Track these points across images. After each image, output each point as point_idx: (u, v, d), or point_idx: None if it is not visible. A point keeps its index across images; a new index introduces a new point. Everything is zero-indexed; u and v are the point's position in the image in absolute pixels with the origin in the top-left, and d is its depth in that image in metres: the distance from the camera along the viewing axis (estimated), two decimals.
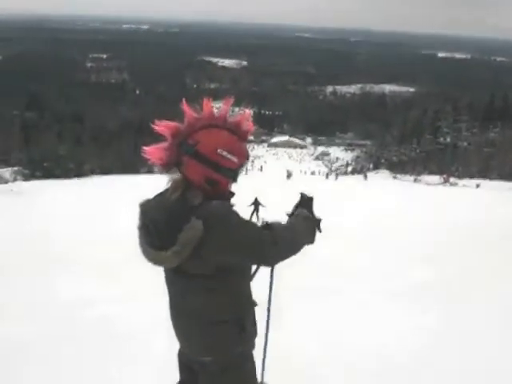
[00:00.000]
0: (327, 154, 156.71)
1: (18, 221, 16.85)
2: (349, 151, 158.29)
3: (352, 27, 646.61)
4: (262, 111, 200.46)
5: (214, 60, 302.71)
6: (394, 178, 69.77)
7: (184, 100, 2.37)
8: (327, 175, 73.65)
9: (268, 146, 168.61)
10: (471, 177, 59.51)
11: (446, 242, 13.49)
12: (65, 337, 5.91)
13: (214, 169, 2.34)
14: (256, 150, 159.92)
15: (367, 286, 8.71)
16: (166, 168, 2.40)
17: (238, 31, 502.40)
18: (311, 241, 2.73)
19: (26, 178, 42.97)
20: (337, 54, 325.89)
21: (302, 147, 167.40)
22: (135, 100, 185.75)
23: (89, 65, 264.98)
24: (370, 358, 5.35)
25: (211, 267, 2.31)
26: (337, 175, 76.34)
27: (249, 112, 2.55)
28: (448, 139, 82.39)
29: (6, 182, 37.00)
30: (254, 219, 20.21)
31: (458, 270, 9.98)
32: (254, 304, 2.69)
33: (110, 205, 21.91)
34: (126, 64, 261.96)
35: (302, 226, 2.67)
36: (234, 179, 2.48)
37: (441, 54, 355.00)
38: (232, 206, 2.39)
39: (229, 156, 2.36)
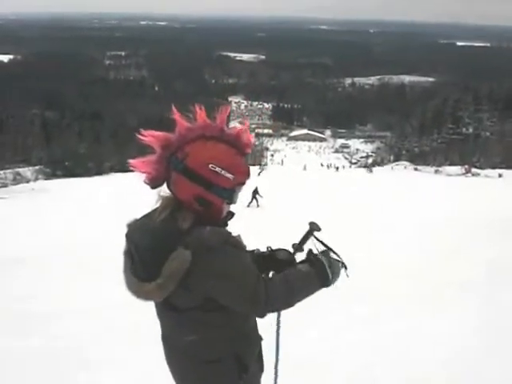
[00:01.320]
0: (347, 147, 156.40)
1: (40, 220, 17.02)
2: (369, 143, 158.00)
3: (370, 18, 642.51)
4: (281, 105, 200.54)
5: (232, 55, 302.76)
6: (415, 169, 69.41)
7: (174, 107, 2.18)
8: (337, 168, 73.74)
9: (287, 140, 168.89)
10: (493, 167, 58.88)
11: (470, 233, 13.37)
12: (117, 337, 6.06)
13: (205, 187, 2.05)
14: (275, 144, 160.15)
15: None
16: (153, 184, 2.12)
17: (254, 25, 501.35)
18: (319, 288, 2.29)
19: (48, 176, 43.11)
20: (355, 46, 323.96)
21: (321, 140, 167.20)
22: (154, 96, 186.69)
23: (107, 62, 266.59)
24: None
25: (202, 300, 2.05)
26: (351, 164, 76.30)
27: (248, 123, 2.22)
28: (469, 129, 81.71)
29: (28, 181, 37.16)
30: (253, 205, 22.66)
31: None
32: (258, 338, 2.43)
33: (131, 202, 21.91)
34: (144, 61, 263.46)
35: (303, 282, 2.21)
36: (230, 200, 2.17)
37: (460, 43, 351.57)
38: (228, 233, 2.06)
39: (223, 173, 2.05)
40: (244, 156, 2.17)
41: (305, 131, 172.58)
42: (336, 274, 2.28)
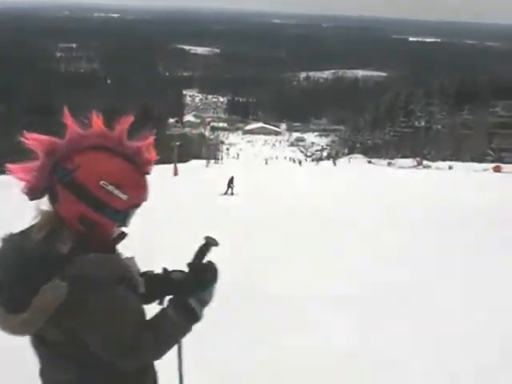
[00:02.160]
0: (302, 140, 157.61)
1: None
2: (323, 136, 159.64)
3: (323, 13, 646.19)
4: (236, 98, 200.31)
5: (187, 48, 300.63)
6: (369, 162, 70.52)
7: (66, 109, 1.78)
8: (300, 162, 74.67)
9: (243, 134, 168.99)
10: (444, 159, 60.33)
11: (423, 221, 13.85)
12: None
13: (93, 206, 1.73)
14: (231, 138, 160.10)
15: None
16: (32, 195, 1.77)
17: (209, 19, 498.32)
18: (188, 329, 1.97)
19: None
20: (308, 40, 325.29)
21: (276, 134, 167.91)
22: (106, 90, 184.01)
23: (58, 54, 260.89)
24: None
25: (72, 335, 1.71)
26: (312, 160, 77.39)
27: (152, 138, 1.92)
28: (421, 122, 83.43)
29: None
30: (229, 193, 24.56)
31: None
32: (148, 375, 2.00)
33: None
34: (96, 53, 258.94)
35: (173, 331, 1.91)
36: (123, 223, 1.87)
37: (412, 39, 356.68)
38: (118, 265, 1.78)
39: (115, 192, 1.74)
40: (144, 175, 1.87)
41: (260, 125, 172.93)
42: (207, 303, 2.01)
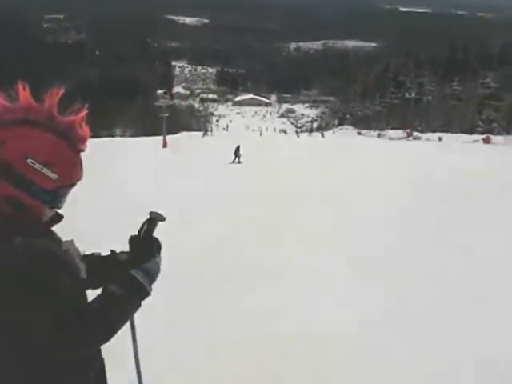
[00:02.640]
0: (292, 112, 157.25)
1: None
2: (314, 108, 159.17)
3: None
4: (225, 69, 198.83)
5: (176, 18, 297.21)
6: (359, 133, 70.47)
7: None
8: (297, 133, 75.30)
9: (232, 105, 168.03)
10: (434, 131, 60.36)
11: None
12: None
13: (19, 186, 1.58)
14: (220, 109, 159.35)
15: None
16: None
17: None
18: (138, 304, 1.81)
19: None
20: (299, 11, 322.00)
21: (266, 105, 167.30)
22: (95, 60, 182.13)
23: (45, 25, 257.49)
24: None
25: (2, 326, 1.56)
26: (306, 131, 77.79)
27: (85, 112, 1.71)
28: (411, 94, 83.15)
29: None
30: (236, 161, 26.60)
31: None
32: (91, 363, 1.81)
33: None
34: (84, 24, 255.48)
35: (120, 308, 1.75)
36: (53, 205, 1.69)
37: (403, 9, 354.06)
38: (48, 248, 1.58)
39: (44, 170, 1.58)
40: (78, 152, 1.69)
41: (250, 96, 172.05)
42: (154, 276, 1.86)
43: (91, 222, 9.36)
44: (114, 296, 1.70)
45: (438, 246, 8.01)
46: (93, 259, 1.96)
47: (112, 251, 2.03)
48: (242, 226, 9.85)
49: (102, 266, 1.96)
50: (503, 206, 11.68)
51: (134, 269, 1.78)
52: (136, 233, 1.93)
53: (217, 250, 7.90)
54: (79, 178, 1.72)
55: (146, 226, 1.93)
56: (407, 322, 5.13)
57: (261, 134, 73.53)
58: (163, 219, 1.95)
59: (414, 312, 5.37)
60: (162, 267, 1.68)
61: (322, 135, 66.85)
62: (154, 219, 1.94)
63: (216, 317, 5.24)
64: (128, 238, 1.91)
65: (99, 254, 2.05)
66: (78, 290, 1.68)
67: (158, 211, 1.94)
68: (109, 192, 13.40)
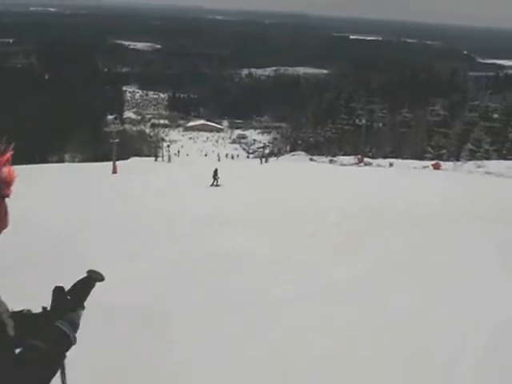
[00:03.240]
0: (244, 137, 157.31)
1: None
2: (265, 134, 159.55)
3: (266, 9, 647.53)
4: (177, 95, 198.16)
5: (126, 43, 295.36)
6: (311, 159, 70.17)
7: None
8: (261, 160, 73.56)
9: (184, 131, 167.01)
10: (385, 156, 60.59)
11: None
12: None
13: None
14: (172, 135, 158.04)
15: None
16: None
17: (150, 13, 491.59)
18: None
19: None
20: (251, 37, 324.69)
21: (218, 131, 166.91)
22: (44, 85, 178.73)
23: None
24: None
25: None
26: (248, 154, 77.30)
27: (10, 153, 1.46)
28: (362, 120, 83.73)
29: None
30: (215, 184, 27.54)
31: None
32: None
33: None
34: (33, 48, 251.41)
35: (44, 359, 1.53)
36: None
37: (352, 36, 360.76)
38: None
39: None
40: (1, 198, 1.53)
41: (202, 122, 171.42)
42: (77, 326, 1.75)
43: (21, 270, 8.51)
44: (36, 350, 1.57)
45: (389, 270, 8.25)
46: (22, 316, 1.80)
47: (44, 308, 1.83)
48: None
49: (31, 324, 1.73)
50: (456, 231, 11.94)
51: (58, 320, 1.67)
52: (67, 285, 1.79)
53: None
54: (4, 227, 1.58)
55: (79, 287, 1.80)
56: None
57: (219, 160, 73.87)
58: (102, 279, 1.83)
59: None
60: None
61: (263, 162, 65.69)
62: (91, 279, 1.82)
63: None
64: (53, 288, 1.76)
65: (29, 310, 1.89)
66: (3, 347, 1.51)
67: (97, 270, 1.82)
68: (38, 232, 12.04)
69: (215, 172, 27.85)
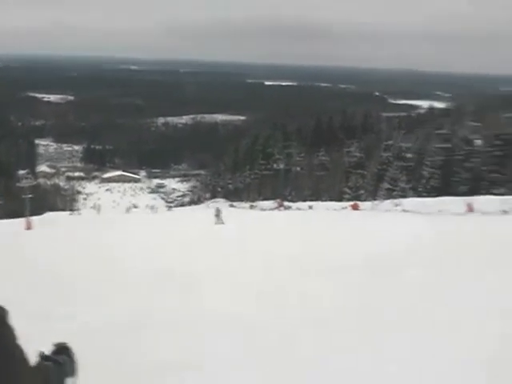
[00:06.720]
0: (163, 186, 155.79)
1: None
2: (184, 182, 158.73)
3: (179, 58, 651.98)
4: (92, 146, 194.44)
5: (39, 96, 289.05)
6: (231, 205, 69.29)
7: None
8: (169, 207, 72.11)
9: (100, 182, 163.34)
10: (304, 200, 60.51)
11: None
12: None
13: None
14: (88, 187, 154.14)
15: None
16: None
17: (61, 65, 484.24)
18: None
19: None
20: (166, 86, 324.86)
21: (136, 181, 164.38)
22: None
23: None
24: None
25: None
26: (167, 203, 75.27)
27: None
28: (280, 165, 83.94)
29: None
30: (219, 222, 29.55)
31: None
32: None
33: None
34: None
35: None
36: None
37: (267, 82, 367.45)
38: None
39: None
40: None
41: (119, 172, 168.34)
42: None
43: None
44: None
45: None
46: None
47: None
48: None
49: None
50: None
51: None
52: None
53: None
54: None
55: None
56: None
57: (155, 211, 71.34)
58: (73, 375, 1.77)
59: None
60: None
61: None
62: (63, 367, 1.75)
63: None
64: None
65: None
66: None
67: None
68: None
69: (217, 210, 31.29)
